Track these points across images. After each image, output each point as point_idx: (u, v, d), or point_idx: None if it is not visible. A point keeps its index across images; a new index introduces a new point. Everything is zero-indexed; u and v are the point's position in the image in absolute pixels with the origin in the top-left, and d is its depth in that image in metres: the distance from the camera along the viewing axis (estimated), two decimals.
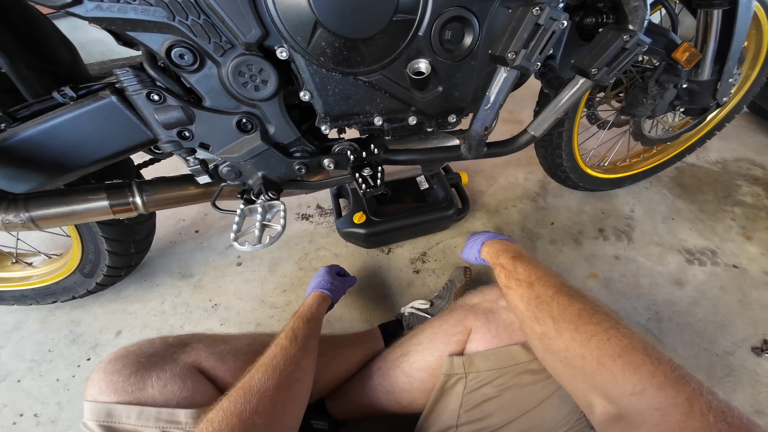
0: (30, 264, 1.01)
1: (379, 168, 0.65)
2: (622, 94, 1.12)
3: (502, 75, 0.52)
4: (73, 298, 1.00)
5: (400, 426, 0.70)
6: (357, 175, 0.63)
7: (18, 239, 0.98)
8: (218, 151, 0.58)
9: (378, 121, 0.63)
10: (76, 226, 0.85)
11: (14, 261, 1.01)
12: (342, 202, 1.22)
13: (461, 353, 0.63)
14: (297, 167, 0.62)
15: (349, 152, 0.63)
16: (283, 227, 0.57)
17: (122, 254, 0.93)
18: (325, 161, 0.64)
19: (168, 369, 0.53)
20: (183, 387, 0.52)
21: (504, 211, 1.32)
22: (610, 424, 0.40)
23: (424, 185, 1.20)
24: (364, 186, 0.62)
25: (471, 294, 0.72)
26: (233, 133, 0.57)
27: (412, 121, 0.64)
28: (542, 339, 0.50)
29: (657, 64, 0.91)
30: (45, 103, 0.58)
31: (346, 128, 0.70)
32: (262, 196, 0.61)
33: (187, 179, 0.68)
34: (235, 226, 0.57)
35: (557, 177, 1.22)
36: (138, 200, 0.64)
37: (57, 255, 1.02)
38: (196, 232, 1.23)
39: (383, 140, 0.71)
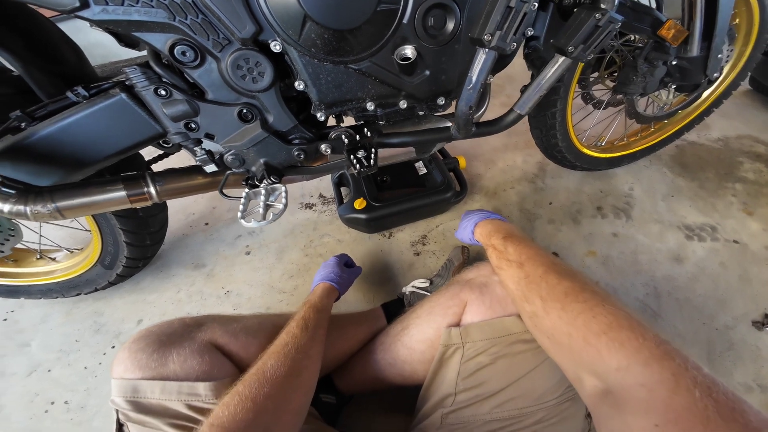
0: (53, 259, 1.07)
1: (373, 150, 0.68)
2: (616, 74, 1.13)
3: (481, 56, 0.55)
4: (96, 290, 1.05)
5: (404, 398, 0.73)
6: (352, 157, 0.67)
7: (41, 236, 1.04)
8: (222, 140, 0.63)
9: (370, 106, 0.66)
10: (95, 220, 0.90)
11: (38, 257, 1.06)
12: (343, 190, 1.26)
13: (457, 325, 0.65)
14: (296, 153, 0.66)
15: (344, 136, 0.67)
16: (285, 206, 0.61)
17: (139, 245, 0.98)
18: (323, 146, 0.68)
19: (187, 346, 0.56)
20: (201, 362, 0.56)
21: (502, 194, 1.34)
22: (599, 399, 0.41)
23: (423, 170, 1.23)
24: (358, 166, 0.66)
25: (467, 270, 0.74)
26: (235, 123, 0.61)
27: (403, 105, 0.68)
28: (532, 318, 0.52)
29: (646, 42, 0.93)
30: (60, 103, 0.62)
31: (342, 116, 0.74)
32: (264, 181, 0.65)
33: (196, 170, 0.72)
34: (241, 207, 0.61)
35: (554, 158, 1.24)
36: (152, 190, 0.69)
37: (78, 249, 1.08)
38: (206, 224, 1.29)
39: (377, 125, 0.74)
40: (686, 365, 0.36)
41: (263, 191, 0.63)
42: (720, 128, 1.62)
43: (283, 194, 0.63)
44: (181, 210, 1.32)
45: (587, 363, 0.43)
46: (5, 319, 1.06)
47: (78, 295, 1.06)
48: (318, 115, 0.65)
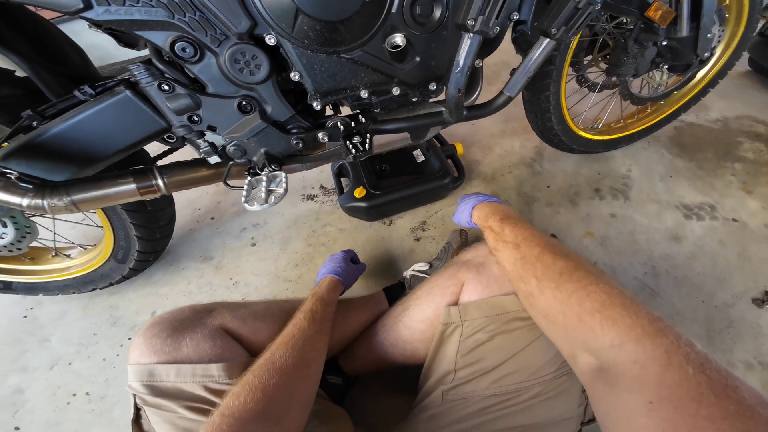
0: (68, 256, 1.10)
1: (368, 135, 0.71)
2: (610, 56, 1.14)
3: (466, 41, 0.58)
4: (110, 284, 1.09)
5: (407, 379, 0.75)
6: (348, 143, 0.69)
7: (55, 234, 1.08)
8: (224, 131, 0.66)
9: (364, 94, 0.68)
10: (107, 216, 0.94)
11: (54, 254, 1.09)
12: (344, 180, 1.29)
13: (456, 304, 0.66)
14: (295, 142, 0.69)
15: (339, 124, 0.70)
16: (286, 190, 0.65)
17: (149, 239, 1.01)
18: (320, 135, 0.71)
19: (199, 331, 0.59)
20: (213, 345, 0.58)
21: (500, 178, 1.36)
22: (593, 376, 0.42)
23: (421, 158, 1.26)
24: (354, 151, 0.69)
25: (464, 251, 0.75)
26: (235, 115, 0.64)
27: (396, 91, 0.70)
28: (527, 297, 0.53)
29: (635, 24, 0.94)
30: (68, 102, 0.65)
31: (339, 104, 0.76)
32: (265, 169, 0.68)
33: (200, 162, 0.75)
34: (244, 193, 0.64)
35: (550, 141, 1.25)
36: (160, 182, 0.72)
37: (92, 246, 1.12)
38: (212, 218, 1.32)
39: (373, 113, 0.77)
40: (679, 342, 0.36)
41: (264, 178, 0.67)
42: (719, 109, 1.62)
43: (284, 180, 0.66)
44: (187, 206, 1.36)
45: (581, 341, 0.43)
46: (25, 317, 1.10)
47: (93, 290, 1.10)
48: (314, 104, 0.67)
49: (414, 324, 0.71)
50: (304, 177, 1.42)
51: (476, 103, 0.84)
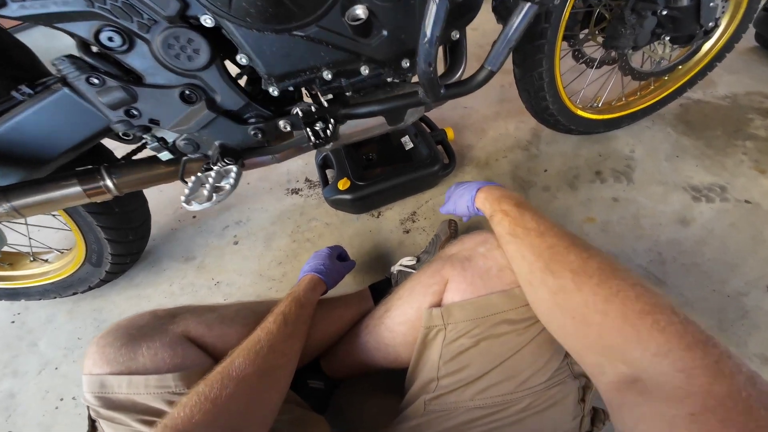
0: (46, 261, 1.08)
1: (331, 121, 0.65)
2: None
3: (432, 6, 0.50)
4: (90, 288, 1.07)
5: (393, 382, 0.71)
6: (309, 129, 0.63)
7: (30, 238, 1.05)
8: (169, 125, 0.60)
9: (328, 75, 0.62)
10: (72, 219, 0.90)
11: (32, 259, 1.08)
12: (329, 172, 1.23)
13: (439, 304, 0.62)
14: (252, 132, 0.63)
15: (299, 109, 0.63)
16: (233, 186, 0.59)
17: (121, 242, 0.97)
18: (281, 123, 0.65)
19: (158, 339, 0.55)
20: (173, 354, 0.54)
21: (494, 163, 1.29)
22: (624, 386, 0.38)
23: (409, 145, 1.19)
24: (313, 138, 0.63)
25: (451, 244, 0.70)
26: (178, 106, 0.58)
27: (365, 71, 0.63)
28: (557, 293, 0.46)
29: None
30: (6, 104, 0.60)
31: (309, 89, 0.69)
32: (218, 164, 0.62)
33: (156, 159, 0.70)
34: (187, 191, 0.59)
35: (546, 122, 1.18)
36: (109, 183, 0.67)
37: (68, 250, 1.09)
38: (194, 217, 1.28)
39: (343, 98, 0.70)
40: (729, 353, 0.34)
41: (214, 173, 0.61)
42: (727, 84, 1.53)
43: (233, 174, 0.60)
44: (169, 204, 1.32)
45: (618, 345, 0.39)
46: (13, 322, 1.09)
47: (75, 294, 1.07)
48: (270, 89, 0.60)
49: (395, 326, 0.67)
50: (289, 170, 1.37)
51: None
